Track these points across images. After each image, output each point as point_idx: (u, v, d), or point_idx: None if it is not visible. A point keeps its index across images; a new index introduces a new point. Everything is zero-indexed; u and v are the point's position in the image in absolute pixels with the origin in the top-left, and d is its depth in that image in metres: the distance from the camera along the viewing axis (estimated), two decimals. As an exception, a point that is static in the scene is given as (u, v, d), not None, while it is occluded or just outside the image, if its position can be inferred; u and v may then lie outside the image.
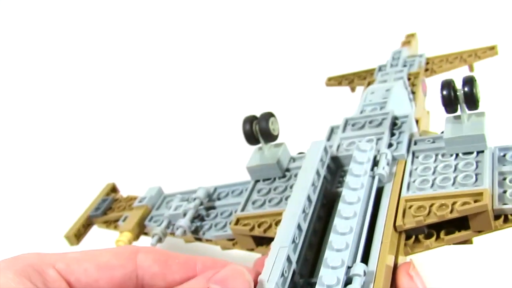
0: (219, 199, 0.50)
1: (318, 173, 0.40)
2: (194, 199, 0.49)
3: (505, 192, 0.38)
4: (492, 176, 0.39)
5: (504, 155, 0.40)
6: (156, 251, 0.32)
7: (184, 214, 0.47)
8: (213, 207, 0.49)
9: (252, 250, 0.45)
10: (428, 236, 0.38)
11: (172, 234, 0.48)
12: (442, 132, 0.44)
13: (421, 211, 0.37)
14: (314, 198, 0.39)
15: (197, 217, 0.48)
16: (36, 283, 0.29)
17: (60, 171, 0.87)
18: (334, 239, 0.34)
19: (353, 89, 0.70)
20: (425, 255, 0.39)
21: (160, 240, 0.48)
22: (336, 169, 0.43)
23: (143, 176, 0.75)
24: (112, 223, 0.57)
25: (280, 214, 0.43)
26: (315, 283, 0.34)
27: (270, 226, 0.42)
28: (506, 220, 0.37)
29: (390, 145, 0.43)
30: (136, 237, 0.51)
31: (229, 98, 0.91)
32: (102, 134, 0.95)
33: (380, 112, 0.47)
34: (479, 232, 0.37)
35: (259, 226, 0.42)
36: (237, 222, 0.44)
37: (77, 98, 1.09)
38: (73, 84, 1.15)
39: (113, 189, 0.63)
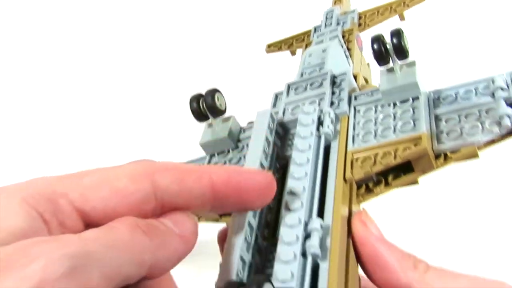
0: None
1: (267, 140, 0.42)
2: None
3: (442, 132, 0.40)
4: (429, 119, 0.41)
5: (438, 98, 0.43)
6: (171, 169, 0.29)
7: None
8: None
9: (217, 220, 0.47)
10: (377, 183, 0.41)
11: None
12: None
13: (367, 161, 0.39)
14: (266, 164, 0.40)
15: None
16: (44, 214, 0.26)
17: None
18: (289, 199, 0.36)
19: (293, 53, 0.71)
20: (377, 205, 0.41)
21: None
22: (284, 134, 0.45)
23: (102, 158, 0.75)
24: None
25: None
26: (275, 244, 0.36)
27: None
28: (446, 158, 0.39)
29: (332, 104, 0.45)
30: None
31: (172, 78, 0.92)
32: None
33: (319, 73, 0.49)
34: (423, 172, 0.40)
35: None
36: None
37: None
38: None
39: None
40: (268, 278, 0.29)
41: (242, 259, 0.34)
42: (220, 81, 0.55)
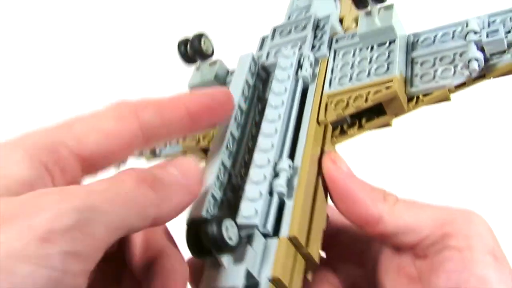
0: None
1: (247, 83, 0.43)
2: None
3: (416, 75, 0.41)
4: (406, 62, 0.42)
5: (417, 41, 0.44)
6: (151, 104, 0.31)
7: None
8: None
9: (203, 158, 0.49)
10: (351, 126, 0.42)
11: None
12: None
13: (340, 104, 0.41)
14: (244, 106, 0.42)
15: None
16: (47, 163, 0.27)
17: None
18: (261, 141, 0.38)
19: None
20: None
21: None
22: (267, 77, 0.46)
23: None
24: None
25: None
26: None
27: (213, 137, 0.46)
28: (417, 101, 0.40)
29: (313, 47, 0.46)
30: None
31: (164, 22, 0.92)
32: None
33: (304, 16, 0.49)
34: (396, 115, 0.41)
35: (203, 138, 0.46)
36: (184, 137, 0.47)
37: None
38: None
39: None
40: (231, 215, 0.31)
41: (213, 196, 0.36)
42: (210, 25, 0.56)
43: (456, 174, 0.63)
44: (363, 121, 0.41)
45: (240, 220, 0.34)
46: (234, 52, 0.55)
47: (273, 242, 0.34)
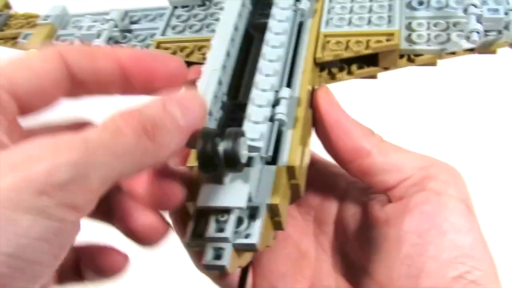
0: (132, 23, 0.49)
1: (243, 4, 0.42)
2: (108, 20, 0.48)
3: (410, 34, 0.42)
4: (400, 19, 0.43)
5: (410, 2, 0.44)
6: (80, 49, 0.31)
7: (99, 35, 0.47)
8: (129, 31, 0.49)
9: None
10: (340, 70, 0.42)
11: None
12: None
13: (339, 45, 0.40)
14: (242, 27, 0.40)
15: (111, 38, 0.48)
16: None
17: None
18: (263, 65, 0.37)
19: None
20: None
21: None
22: (257, 1, 0.45)
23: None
24: (9, 40, 0.54)
25: (201, 40, 0.44)
26: (239, 104, 0.37)
27: (192, 52, 0.43)
28: (409, 59, 0.41)
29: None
30: (43, 56, 0.50)
31: None
32: None
33: None
34: (385, 68, 0.42)
35: (181, 50, 0.44)
36: (158, 46, 0.45)
37: None
38: None
39: (6, 5, 0.59)
40: (243, 133, 0.30)
41: (210, 112, 0.34)
42: None
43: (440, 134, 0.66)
44: (353, 67, 0.42)
45: None
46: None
47: (271, 169, 0.33)
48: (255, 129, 0.33)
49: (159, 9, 0.49)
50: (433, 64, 0.42)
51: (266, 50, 0.38)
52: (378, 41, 0.40)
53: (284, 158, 0.34)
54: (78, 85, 0.30)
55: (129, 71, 0.31)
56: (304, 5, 0.42)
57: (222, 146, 0.28)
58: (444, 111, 0.68)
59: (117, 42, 0.48)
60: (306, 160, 0.37)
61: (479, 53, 0.41)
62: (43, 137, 0.24)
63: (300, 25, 0.42)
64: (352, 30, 0.41)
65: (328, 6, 0.44)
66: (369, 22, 0.42)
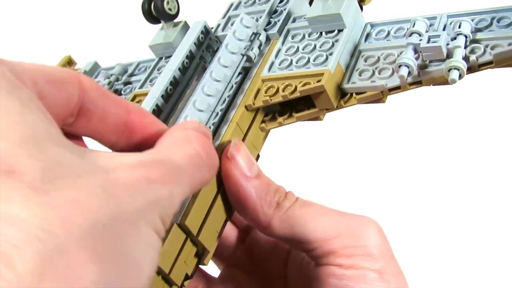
0: (134, 74, 0.53)
1: (190, 53, 0.43)
2: (111, 75, 0.52)
3: (356, 70, 0.39)
4: (353, 54, 0.40)
5: (370, 33, 0.41)
6: (94, 83, 0.30)
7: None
8: (129, 83, 0.52)
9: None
10: (282, 113, 0.41)
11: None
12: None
13: (270, 91, 0.39)
14: (179, 76, 0.41)
15: (116, 92, 0.52)
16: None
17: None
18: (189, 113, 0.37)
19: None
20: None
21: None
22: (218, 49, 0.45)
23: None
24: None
25: None
26: None
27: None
28: (349, 99, 0.38)
29: (269, 23, 0.44)
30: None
31: None
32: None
33: (271, -12, 0.47)
34: (326, 110, 0.39)
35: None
36: (133, 98, 0.47)
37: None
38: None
39: (69, 62, 0.67)
40: None
41: None
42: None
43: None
44: (294, 111, 0.40)
45: None
46: (204, 15, 0.54)
47: None
48: None
49: (149, 61, 0.52)
50: (380, 101, 0.38)
51: (197, 97, 0.38)
52: (306, 84, 0.38)
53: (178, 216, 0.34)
54: (81, 116, 0.30)
55: (132, 125, 0.31)
56: (252, 50, 0.41)
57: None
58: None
59: (120, 94, 0.52)
60: (218, 218, 0.36)
61: (428, 85, 0.37)
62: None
63: (247, 71, 0.42)
64: (288, 73, 0.40)
65: (279, 48, 0.42)
66: (308, 62, 0.40)
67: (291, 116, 0.40)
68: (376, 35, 0.41)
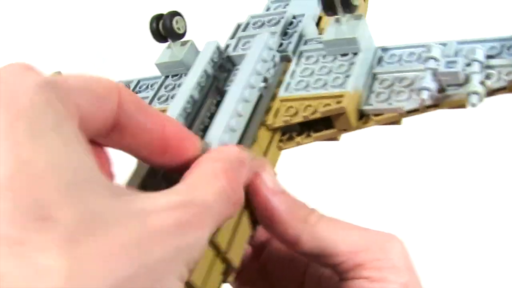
0: (139, 92, 0.53)
1: (206, 72, 0.43)
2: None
3: (373, 92, 0.41)
4: (367, 77, 0.41)
5: (382, 57, 0.43)
6: (135, 96, 0.29)
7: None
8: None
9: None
10: (300, 133, 0.41)
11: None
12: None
13: (290, 111, 0.40)
14: (197, 96, 0.41)
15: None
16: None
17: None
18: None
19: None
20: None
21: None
22: (231, 69, 0.46)
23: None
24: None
25: None
26: None
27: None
28: (368, 120, 0.40)
29: (281, 45, 0.45)
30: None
31: None
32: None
33: (280, 11, 0.48)
34: (344, 130, 0.40)
35: (158, 121, 0.46)
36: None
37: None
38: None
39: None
40: None
41: None
42: (188, 2, 0.55)
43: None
44: (312, 131, 0.41)
45: None
46: (209, 35, 0.54)
47: None
48: None
49: (154, 78, 0.52)
50: (397, 122, 0.40)
51: (228, 117, 0.38)
52: (327, 105, 0.39)
53: None
54: (114, 130, 0.29)
55: (166, 141, 0.30)
56: (267, 71, 0.42)
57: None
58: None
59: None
60: (244, 234, 0.37)
61: (445, 108, 0.39)
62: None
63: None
64: (306, 94, 0.41)
65: (294, 69, 0.43)
66: (325, 84, 0.41)
67: (309, 136, 0.41)
68: (388, 59, 0.42)
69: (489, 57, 0.39)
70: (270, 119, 0.40)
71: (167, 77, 0.50)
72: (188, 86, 0.41)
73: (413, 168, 0.65)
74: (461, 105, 0.38)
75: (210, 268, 0.34)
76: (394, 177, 0.63)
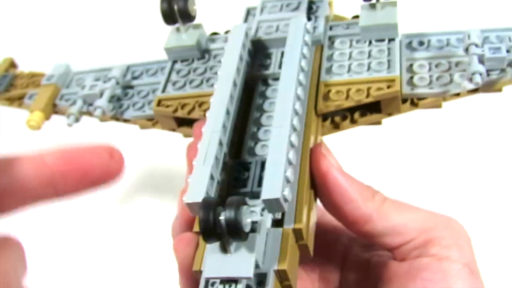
0: (134, 78, 0.49)
1: (241, 57, 0.41)
2: (110, 78, 0.48)
3: (412, 78, 0.41)
4: (400, 62, 0.42)
5: (410, 43, 0.44)
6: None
7: (101, 94, 0.47)
8: (130, 87, 0.49)
9: (173, 130, 0.46)
10: (343, 119, 0.41)
11: (89, 113, 0.48)
12: (353, 18, 0.46)
13: (339, 95, 0.40)
14: (238, 82, 0.40)
15: (113, 96, 0.48)
16: None
17: None
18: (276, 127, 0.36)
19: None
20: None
21: (77, 120, 0.47)
22: (255, 53, 0.44)
23: (44, 51, 0.71)
24: (15, 100, 0.55)
25: (202, 95, 0.44)
26: (242, 163, 0.37)
27: (193, 108, 0.43)
28: (412, 104, 0.41)
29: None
30: (47, 117, 0.50)
31: None
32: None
33: (298, -5, 0.48)
34: (389, 114, 0.41)
35: (182, 107, 0.43)
36: (159, 103, 0.44)
37: None
38: None
39: (12, 64, 0.60)
40: (245, 201, 0.30)
41: (212, 176, 0.34)
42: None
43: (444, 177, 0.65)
44: (356, 115, 0.41)
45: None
46: (214, 18, 0.52)
47: (277, 232, 0.33)
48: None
49: (160, 62, 0.49)
50: (438, 106, 0.41)
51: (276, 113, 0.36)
52: (379, 89, 0.39)
53: (290, 220, 0.33)
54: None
55: (59, 173, 0.26)
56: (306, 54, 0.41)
57: (224, 216, 0.28)
58: (450, 152, 0.68)
59: (119, 99, 0.48)
60: (313, 218, 0.36)
61: (484, 92, 0.41)
62: None
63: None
64: (352, 78, 0.41)
65: (327, 53, 0.43)
66: (369, 68, 0.41)
67: (353, 121, 0.41)
68: (416, 45, 0.44)
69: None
70: (320, 104, 0.40)
71: (175, 62, 0.47)
72: (230, 70, 0.40)
73: (413, 168, 0.67)
74: (498, 90, 0.40)
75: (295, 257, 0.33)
76: (394, 177, 0.65)
